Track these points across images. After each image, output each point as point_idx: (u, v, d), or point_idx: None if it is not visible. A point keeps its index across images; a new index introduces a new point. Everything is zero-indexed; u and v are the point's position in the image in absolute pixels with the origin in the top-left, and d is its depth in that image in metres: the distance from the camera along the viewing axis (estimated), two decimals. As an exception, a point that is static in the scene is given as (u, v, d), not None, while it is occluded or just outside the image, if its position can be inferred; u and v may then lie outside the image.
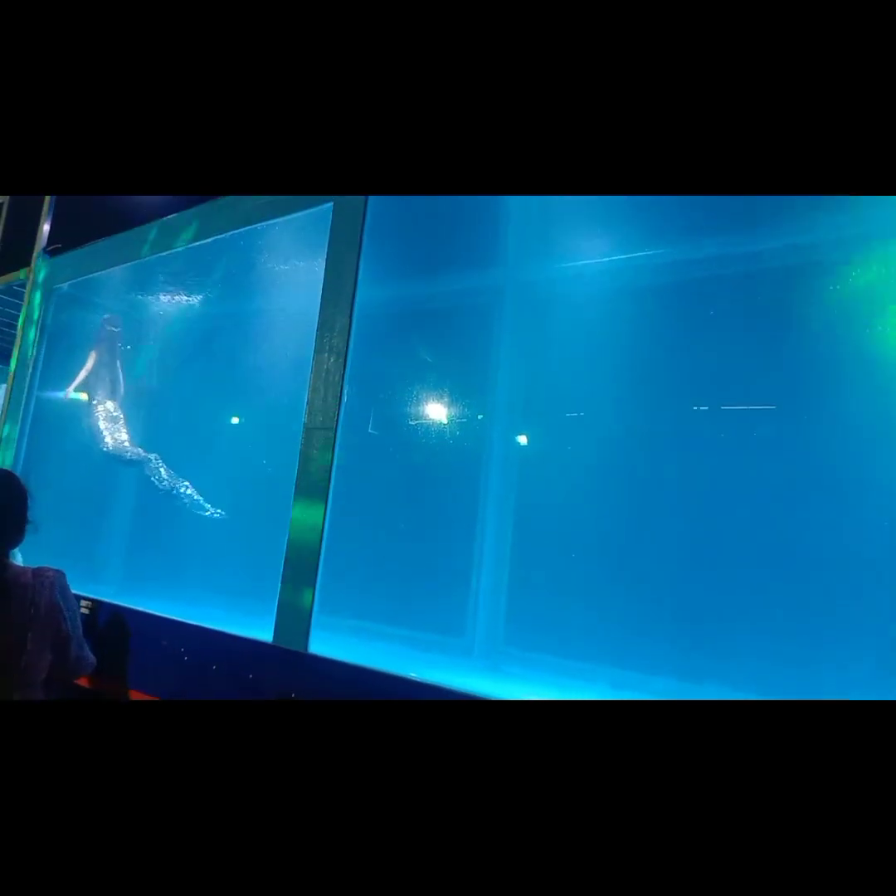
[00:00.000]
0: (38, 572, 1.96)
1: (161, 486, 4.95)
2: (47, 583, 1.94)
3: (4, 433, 4.63)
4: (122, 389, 5.20)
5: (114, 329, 5.20)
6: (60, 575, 2.00)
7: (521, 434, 4.16)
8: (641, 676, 3.38)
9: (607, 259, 3.93)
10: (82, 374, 5.08)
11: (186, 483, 4.96)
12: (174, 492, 4.92)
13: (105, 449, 5.04)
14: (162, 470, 4.98)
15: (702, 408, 3.72)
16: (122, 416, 5.16)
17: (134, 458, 5.03)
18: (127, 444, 5.07)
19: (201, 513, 4.91)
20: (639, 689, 3.28)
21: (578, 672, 3.55)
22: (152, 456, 5.01)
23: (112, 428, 5.08)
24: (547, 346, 4.08)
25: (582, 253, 3.94)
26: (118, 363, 5.21)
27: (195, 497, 4.93)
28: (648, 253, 3.80)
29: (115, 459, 5.03)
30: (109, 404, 5.15)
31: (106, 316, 5.22)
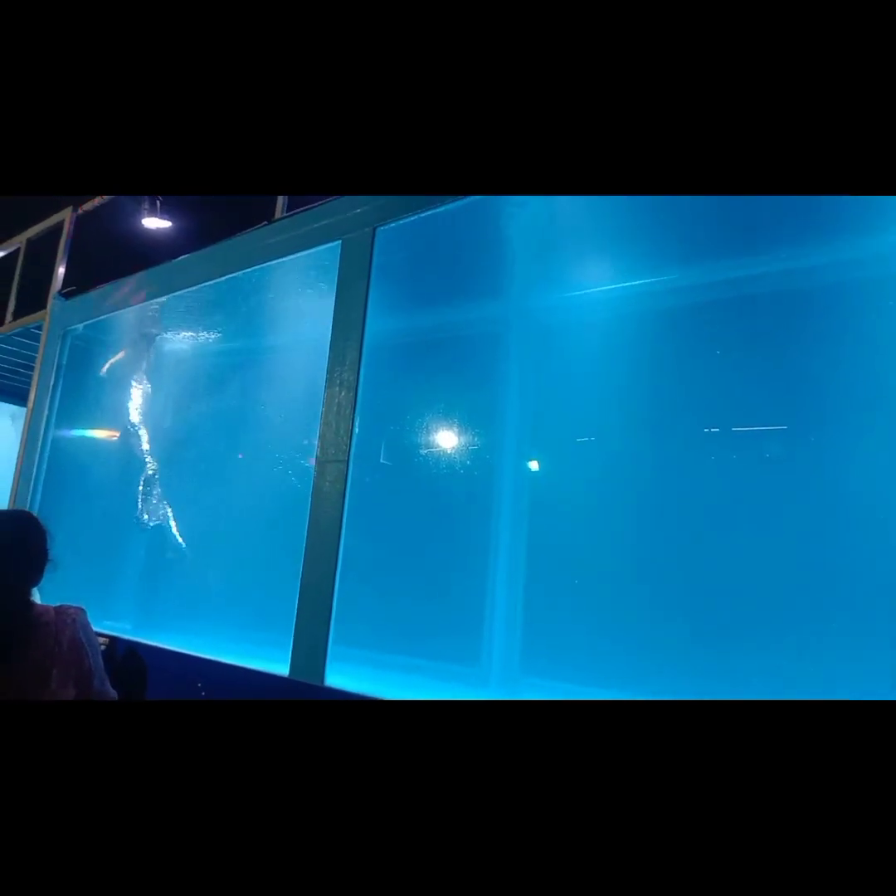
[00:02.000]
0: (60, 610, 2.00)
1: (145, 499, 5.06)
2: (69, 620, 1.97)
3: (21, 472, 4.70)
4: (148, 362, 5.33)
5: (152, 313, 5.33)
6: (82, 612, 2.03)
7: (531, 460, 4.19)
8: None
9: (611, 286, 3.99)
10: (121, 354, 5.22)
11: (169, 509, 5.07)
12: (154, 509, 5.04)
13: (129, 427, 5.23)
14: (155, 485, 5.08)
15: (713, 429, 3.74)
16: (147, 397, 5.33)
17: (139, 451, 5.17)
18: (144, 436, 5.21)
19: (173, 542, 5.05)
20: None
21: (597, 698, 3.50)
22: (153, 464, 5.13)
23: (136, 406, 5.23)
24: (555, 372, 4.12)
25: (586, 281, 4.00)
26: (152, 346, 5.36)
27: (170, 523, 5.04)
28: (653, 280, 3.85)
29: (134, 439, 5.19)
30: (146, 386, 5.31)
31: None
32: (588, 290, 4.02)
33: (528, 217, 3.48)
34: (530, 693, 3.77)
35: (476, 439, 4.36)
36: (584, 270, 3.93)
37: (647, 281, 3.88)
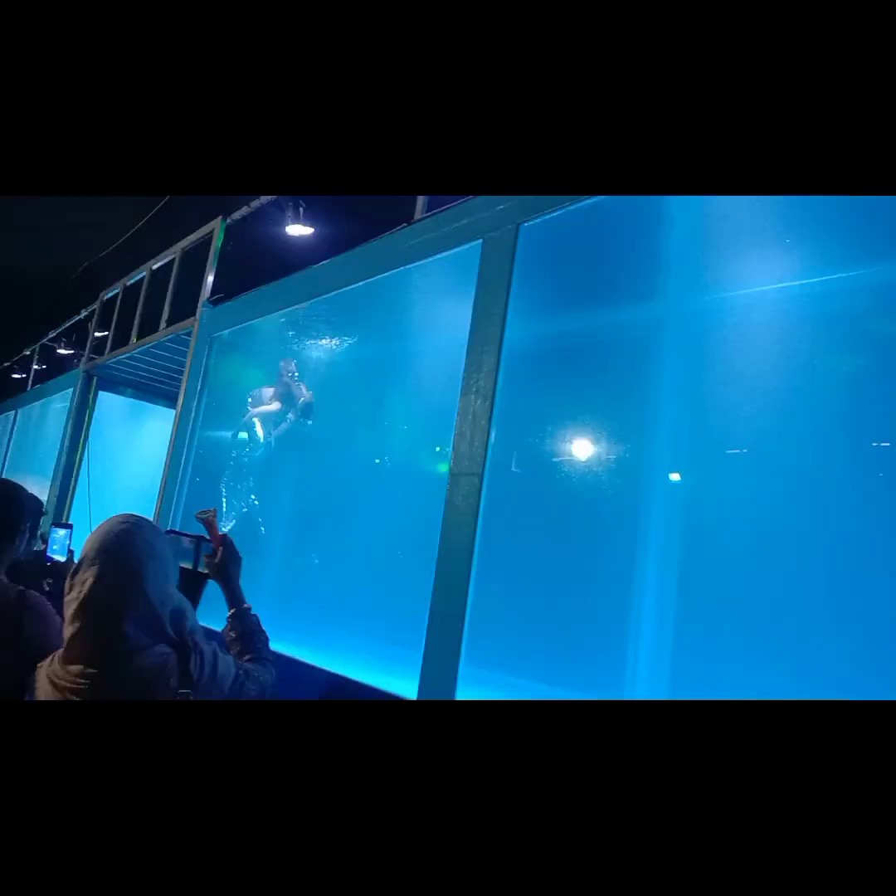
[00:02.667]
0: (24, 592, 1.94)
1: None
2: (28, 604, 1.91)
3: (169, 471, 4.87)
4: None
5: (290, 369, 5.52)
6: (43, 601, 1.96)
7: (684, 474, 3.85)
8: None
9: (779, 285, 3.58)
10: (261, 408, 5.43)
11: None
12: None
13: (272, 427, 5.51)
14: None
15: (883, 444, 3.33)
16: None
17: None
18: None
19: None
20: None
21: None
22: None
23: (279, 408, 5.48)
24: (713, 381, 3.77)
25: (750, 279, 3.61)
26: (299, 398, 5.53)
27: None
28: (829, 277, 3.42)
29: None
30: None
31: (283, 360, 5.52)
32: (752, 289, 3.64)
33: (686, 206, 3.17)
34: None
35: (623, 450, 4.07)
36: (749, 266, 3.54)
37: (821, 279, 3.45)
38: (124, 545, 1.63)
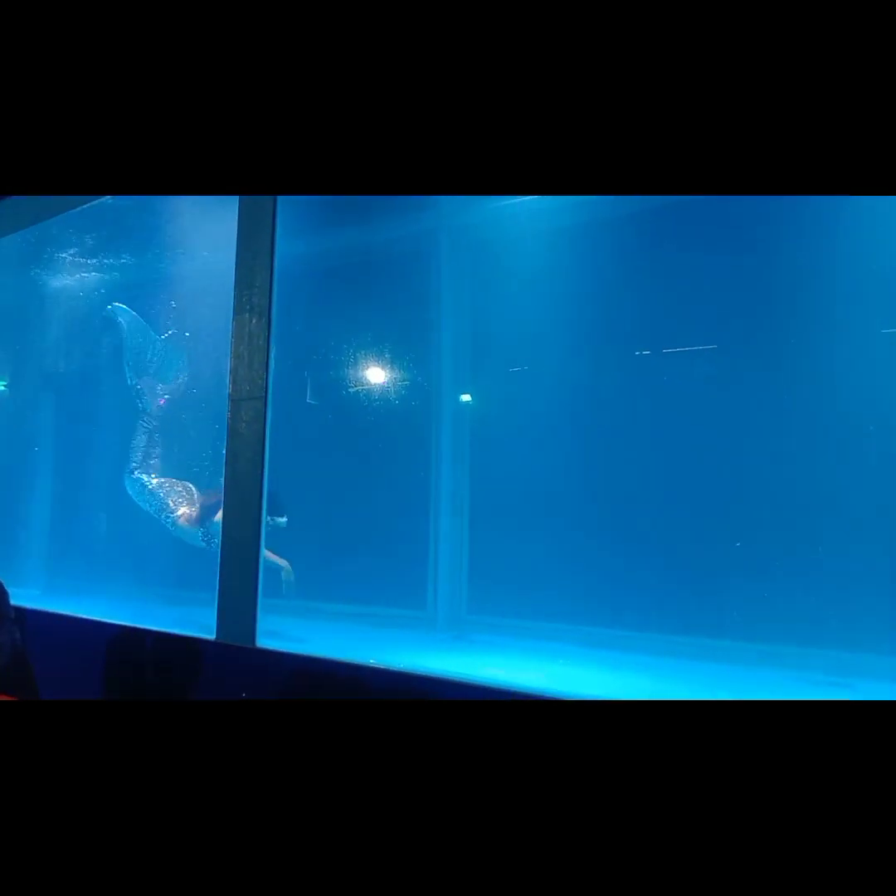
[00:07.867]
0: None
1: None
2: None
3: None
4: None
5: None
6: None
7: (469, 392, 3.93)
8: (608, 631, 3.28)
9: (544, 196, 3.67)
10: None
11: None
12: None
13: None
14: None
15: (644, 352, 3.61)
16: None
17: None
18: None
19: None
20: (605, 645, 3.23)
21: (545, 632, 3.41)
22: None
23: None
24: (488, 292, 3.84)
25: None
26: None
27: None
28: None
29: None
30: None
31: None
32: (518, 200, 3.70)
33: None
34: (479, 631, 3.63)
35: (410, 371, 4.06)
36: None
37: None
38: None
